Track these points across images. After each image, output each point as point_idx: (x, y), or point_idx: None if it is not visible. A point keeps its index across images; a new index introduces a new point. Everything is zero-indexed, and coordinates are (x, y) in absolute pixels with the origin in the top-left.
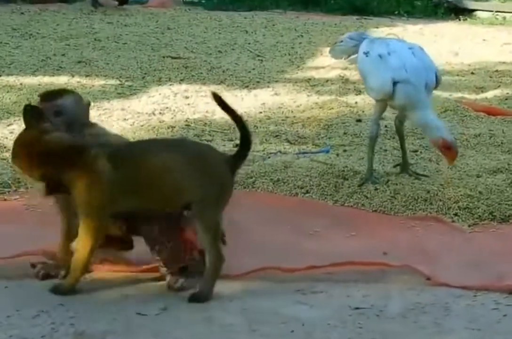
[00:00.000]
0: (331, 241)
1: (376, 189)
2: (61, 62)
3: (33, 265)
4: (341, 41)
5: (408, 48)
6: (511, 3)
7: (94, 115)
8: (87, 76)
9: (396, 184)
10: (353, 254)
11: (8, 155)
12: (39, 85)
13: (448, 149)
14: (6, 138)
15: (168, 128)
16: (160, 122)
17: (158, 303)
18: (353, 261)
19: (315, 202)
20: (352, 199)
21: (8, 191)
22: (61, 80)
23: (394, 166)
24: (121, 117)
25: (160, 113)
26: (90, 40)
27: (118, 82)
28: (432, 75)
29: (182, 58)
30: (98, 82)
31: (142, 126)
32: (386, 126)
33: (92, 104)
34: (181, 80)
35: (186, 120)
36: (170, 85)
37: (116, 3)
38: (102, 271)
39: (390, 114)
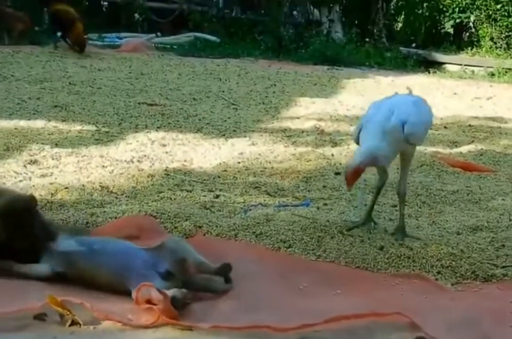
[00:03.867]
0: (319, 298)
1: (362, 242)
2: (36, 106)
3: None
4: None
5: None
6: (479, 57)
7: (73, 162)
8: (63, 121)
9: (380, 240)
10: (341, 312)
11: None
12: (15, 129)
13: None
14: None
15: (148, 176)
16: (139, 170)
17: None
18: (346, 315)
19: (298, 256)
20: (334, 255)
21: None
22: (38, 125)
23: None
24: (100, 164)
25: (138, 161)
26: (65, 84)
27: (95, 128)
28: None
29: (158, 104)
30: (75, 127)
31: (121, 174)
32: (365, 180)
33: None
34: (158, 127)
35: (165, 169)
36: (147, 132)
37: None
38: None
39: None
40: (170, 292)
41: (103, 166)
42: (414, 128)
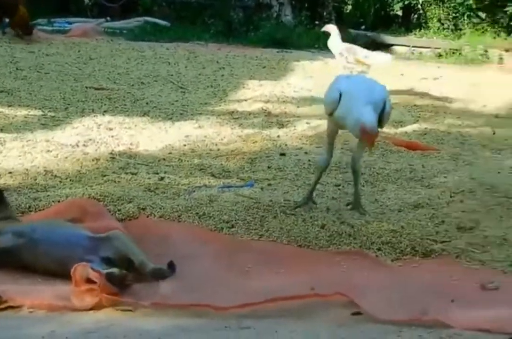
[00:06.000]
0: (261, 278)
1: (304, 221)
2: None
3: None
4: None
5: None
6: (427, 38)
7: (18, 147)
8: (9, 106)
9: (322, 219)
10: (282, 290)
11: None
12: None
13: (365, 133)
14: None
15: (93, 160)
16: (84, 154)
17: None
18: (286, 296)
19: (241, 236)
20: (277, 234)
21: None
22: None
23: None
24: (45, 148)
25: (84, 145)
26: (12, 70)
27: (41, 112)
28: None
29: (105, 89)
30: (21, 112)
31: (66, 158)
32: (309, 160)
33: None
34: (105, 111)
35: (111, 153)
36: (94, 116)
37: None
38: None
39: (315, 149)
40: (107, 270)
41: (48, 151)
42: None
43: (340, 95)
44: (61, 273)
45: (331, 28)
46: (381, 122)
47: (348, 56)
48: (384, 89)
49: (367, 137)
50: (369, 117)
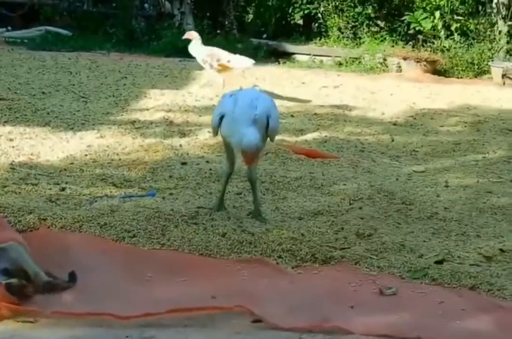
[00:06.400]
0: (163, 287)
1: (205, 229)
2: None
3: None
4: None
5: None
6: (327, 47)
7: None
8: None
9: (223, 227)
10: (184, 299)
11: None
12: None
13: (243, 153)
14: None
15: None
16: None
17: None
18: (187, 307)
19: (143, 246)
20: (178, 243)
21: None
22: None
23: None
24: None
25: None
26: None
27: None
28: None
29: (5, 99)
30: None
31: None
32: (210, 169)
33: None
34: (5, 122)
35: (11, 163)
36: None
37: None
38: None
39: (216, 157)
40: (5, 281)
41: None
42: None
43: (223, 116)
44: None
45: (193, 35)
46: (269, 136)
47: (211, 62)
48: (267, 104)
49: (245, 157)
50: (248, 138)
